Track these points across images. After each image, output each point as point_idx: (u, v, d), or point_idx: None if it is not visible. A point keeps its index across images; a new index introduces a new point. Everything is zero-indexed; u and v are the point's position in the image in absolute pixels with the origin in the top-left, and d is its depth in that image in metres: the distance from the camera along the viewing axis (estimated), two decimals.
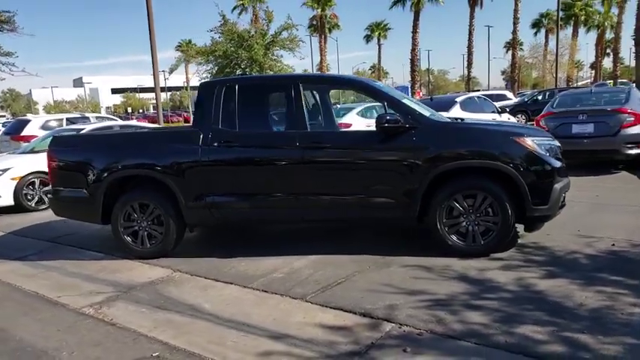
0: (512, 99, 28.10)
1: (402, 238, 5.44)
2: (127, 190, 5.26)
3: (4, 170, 8.35)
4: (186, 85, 69.01)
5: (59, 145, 5.51)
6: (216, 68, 20.17)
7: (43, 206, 8.62)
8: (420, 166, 4.52)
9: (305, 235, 5.83)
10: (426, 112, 4.88)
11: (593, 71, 69.31)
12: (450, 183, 4.55)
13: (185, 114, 58.10)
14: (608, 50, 61.00)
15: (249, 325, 3.54)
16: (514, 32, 42.31)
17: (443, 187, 4.56)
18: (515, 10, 41.18)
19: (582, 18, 51.14)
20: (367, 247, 5.03)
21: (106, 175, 5.15)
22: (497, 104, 18.88)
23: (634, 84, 42.00)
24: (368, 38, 70.06)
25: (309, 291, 4.06)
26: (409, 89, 54.71)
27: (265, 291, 4.16)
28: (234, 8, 43.84)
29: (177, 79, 74.39)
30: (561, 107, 9.12)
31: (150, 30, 15.78)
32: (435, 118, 4.85)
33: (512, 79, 46.32)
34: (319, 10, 46.23)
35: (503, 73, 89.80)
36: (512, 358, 2.87)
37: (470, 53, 46.00)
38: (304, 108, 4.87)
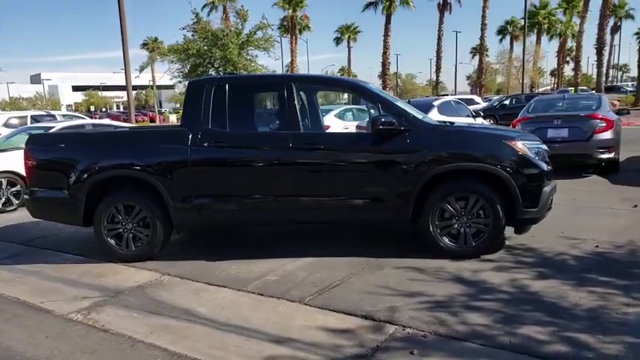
0: (481, 103, 28.75)
1: (392, 240, 5.46)
2: (111, 191, 5.09)
3: None
4: (152, 83, 67.62)
5: (38, 143, 5.29)
6: (188, 67, 19.81)
7: (11, 207, 8.27)
8: (414, 169, 4.55)
9: (295, 237, 5.79)
10: (418, 114, 4.92)
11: (554, 78, 71.82)
12: (443, 185, 4.59)
13: (150, 113, 56.80)
14: (568, 58, 63.23)
15: (250, 329, 3.47)
16: (481, 38, 43.28)
17: (435, 189, 4.60)
18: (483, 17, 42.12)
19: (545, 26, 52.79)
20: (359, 249, 5.03)
21: (88, 175, 4.97)
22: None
23: (593, 90, 43.78)
24: (338, 41, 70.45)
25: (307, 294, 4.02)
26: None
27: (261, 294, 4.10)
28: (205, 6, 43.30)
29: (142, 78, 72.64)
30: (537, 112, 9.37)
31: (122, 27, 15.33)
32: (427, 121, 4.89)
33: (479, 84, 47.36)
34: (290, 10, 46.05)
35: (468, 78, 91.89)
36: (519, 358, 2.91)
37: (439, 58, 46.80)
38: (297, 109, 4.83)
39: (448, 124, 5.38)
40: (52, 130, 8.29)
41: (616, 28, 64.39)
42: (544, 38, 55.81)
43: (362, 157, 4.70)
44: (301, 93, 5.06)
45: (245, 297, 4.08)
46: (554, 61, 58.30)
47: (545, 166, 4.66)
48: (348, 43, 70.77)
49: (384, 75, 43.14)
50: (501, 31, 63.00)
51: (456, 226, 4.64)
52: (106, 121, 12.11)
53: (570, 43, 54.56)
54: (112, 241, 5.08)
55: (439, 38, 46.53)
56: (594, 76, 45.45)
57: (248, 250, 5.30)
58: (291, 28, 47.36)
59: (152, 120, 50.96)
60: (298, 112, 4.83)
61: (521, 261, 4.56)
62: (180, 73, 20.34)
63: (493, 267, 4.43)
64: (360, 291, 4.02)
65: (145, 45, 68.87)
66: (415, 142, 4.58)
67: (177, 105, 63.71)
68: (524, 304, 3.63)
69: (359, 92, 5.05)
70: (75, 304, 4.10)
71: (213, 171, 4.87)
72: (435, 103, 11.25)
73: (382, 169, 4.65)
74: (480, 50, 44.56)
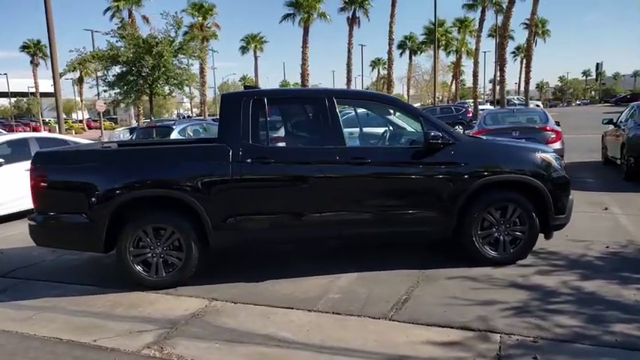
0: None
1: (422, 251, 5.50)
2: (137, 213, 4.66)
3: None
4: (34, 90, 62.07)
5: (49, 161, 4.69)
6: (111, 75, 18.54)
7: None
8: (460, 180, 4.73)
9: (317, 253, 5.69)
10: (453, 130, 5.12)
11: (446, 92, 77.28)
12: (484, 196, 4.81)
13: (33, 123, 51.80)
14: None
15: (357, 350, 3.39)
16: (389, 52, 45.49)
17: (477, 200, 4.81)
18: (390, 32, 44.29)
19: (443, 42, 56.80)
20: (395, 262, 5.06)
21: (113, 196, 4.51)
22: None
23: (487, 103, 47.68)
24: (243, 50, 70.10)
25: (384, 310, 4.00)
26: None
27: (337, 313, 4.00)
28: (107, 10, 40.82)
29: (20, 84, 65.61)
30: (494, 124, 10.11)
31: (48, 28, 13.94)
32: (464, 136, 5.10)
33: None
34: (200, 18, 44.97)
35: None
36: (635, 355, 3.16)
37: (349, 70, 48.33)
38: (340, 123, 4.80)
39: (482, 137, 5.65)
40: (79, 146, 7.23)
41: (500, 47, 71.25)
42: (442, 54, 60.05)
43: (410, 171, 4.78)
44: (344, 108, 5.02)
45: (322, 317, 3.96)
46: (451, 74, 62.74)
47: (567, 176, 5.07)
48: (255, 52, 70.72)
49: (303, 86, 43.64)
50: (401, 46, 66.98)
51: (495, 234, 4.89)
52: (53, 135, 10.91)
53: (466, 59, 59.20)
54: (139, 268, 4.65)
55: (349, 51, 48.16)
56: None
57: (280, 268, 5.11)
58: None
59: (35, 130, 45.46)
60: (342, 126, 4.81)
61: (555, 264, 4.92)
62: (102, 82, 18.96)
63: (535, 271, 4.73)
64: (435, 304, 4.08)
65: (25, 47, 63.34)
66: (460, 156, 4.77)
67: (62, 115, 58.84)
68: (594, 304, 3.93)
69: (399, 107, 5.13)
70: (136, 339, 3.70)
71: (257, 188, 4.67)
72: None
73: (430, 182, 4.77)
74: (388, 64, 46.74)
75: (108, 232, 4.58)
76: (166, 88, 19.00)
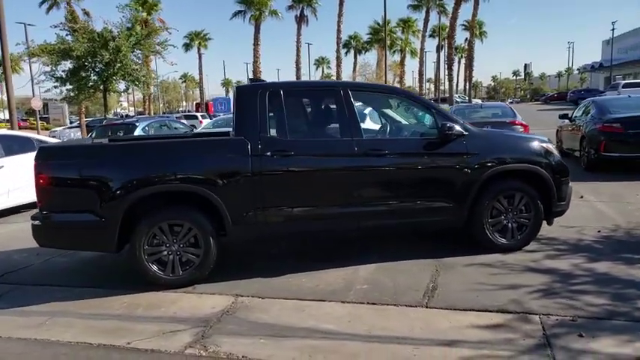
0: None
1: (429, 240, 5.62)
2: (151, 210, 4.46)
3: None
4: None
5: (55, 157, 4.38)
6: (60, 70, 17.47)
7: None
8: (473, 170, 4.87)
9: (327, 245, 5.66)
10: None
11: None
12: (493, 185, 4.98)
13: None
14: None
15: (406, 338, 3.42)
16: (338, 51, 45.99)
17: (487, 189, 4.96)
18: (338, 31, 44.83)
19: (388, 42, 58.05)
20: (407, 252, 5.14)
21: (127, 192, 4.30)
22: None
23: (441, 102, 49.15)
24: (187, 47, 68.61)
25: (417, 298, 4.06)
26: (230, 102, 54.87)
27: (372, 303, 4.02)
28: (43, 2, 38.59)
29: None
30: (464, 119, 10.41)
31: None
32: (473, 127, 5.24)
33: None
34: (145, 13, 43.35)
35: None
36: None
37: (298, 69, 48.38)
38: (357, 115, 4.81)
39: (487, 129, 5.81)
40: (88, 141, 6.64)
41: (440, 47, 73.84)
42: (388, 53, 61.36)
43: (427, 162, 4.86)
44: (358, 100, 5.01)
45: (358, 308, 3.95)
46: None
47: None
48: (199, 49, 69.38)
49: None
50: (346, 45, 67.86)
51: (504, 222, 5.07)
52: (16, 132, 10.15)
53: (410, 58, 60.80)
54: (155, 267, 4.45)
55: (297, 49, 48.25)
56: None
57: (296, 262, 5.04)
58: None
59: None
60: (359, 118, 4.82)
61: (559, 249, 5.16)
62: (50, 77, 17.82)
63: (544, 256, 4.94)
64: (464, 290, 4.18)
65: None
66: (472, 146, 4.90)
67: None
68: (612, 283, 4.16)
69: (413, 100, 5.19)
70: (173, 339, 3.54)
71: (277, 181, 4.59)
72: None
73: (445, 172, 4.88)
74: (337, 62, 47.22)
75: (120, 230, 4.35)
76: (122, 84, 18.21)
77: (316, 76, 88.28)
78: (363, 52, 70.73)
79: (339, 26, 44.90)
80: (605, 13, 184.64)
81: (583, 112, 11.46)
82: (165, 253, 4.47)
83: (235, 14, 42.42)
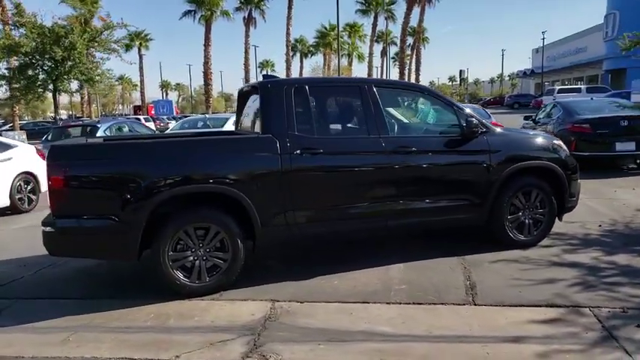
0: None
1: (445, 238, 5.58)
2: (174, 213, 4.16)
3: None
4: None
5: (71, 156, 3.98)
6: (3, 68, 16.20)
7: None
8: (495, 167, 4.91)
9: (344, 246, 5.51)
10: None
11: None
12: (513, 182, 5.04)
13: None
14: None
15: (469, 336, 3.36)
16: (287, 54, 45.79)
17: (507, 186, 5.02)
18: (288, 34, 44.67)
19: (335, 47, 58.58)
20: (430, 250, 5.11)
21: (151, 194, 3.98)
22: None
23: None
24: (127, 47, 66.16)
25: (462, 296, 4.03)
26: (172, 104, 53.38)
27: (418, 303, 3.93)
28: None
29: None
30: None
31: None
32: (492, 126, 5.28)
33: None
34: (84, 10, 41.31)
35: None
36: None
37: (247, 71, 47.75)
38: (384, 112, 4.73)
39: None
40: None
41: (384, 52, 75.54)
42: (334, 57, 61.88)
43: (453, 159, 4.85)
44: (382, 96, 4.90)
45: (407, 309, 3.85)
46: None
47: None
48: (139, 50, 67.14)
49: (206, 85, 42.08)
50: (292, 48, 67.89)
51: (522, 218, 5.15)
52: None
53: (358, 63, 61.60)
54: (180, 274, 4.16)
55: (246, 51, 47.60)
56: None
57: (322, 264, 4.87)
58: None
59: None
60: (385, 115, 4.74)
61: (572, 243, 5.31)
62: None
63: (562, 251, 5.06)
64: (504, 286, 4.18)
65: None
66: (493, 144, 4.95)
67: None
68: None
69: (436, 97, 5.16)
70: (224, 350, 3.30)
71: (307, 180, 4.41)
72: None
73: (470, 169, 4.89)
74: (287, 65, 47.06)
75: (143, 235, 4.03)
76: (75, 84, 17.10)
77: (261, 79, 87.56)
78: (309, 55, 71.02)
79: (288, 29, 44.78)
80: (536, 23, 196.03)
81: (547, 114, 12.00)
82: (191, 258, 4.18)
83: (185, 14, 41.32)
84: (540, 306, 3.77)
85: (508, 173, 4.96)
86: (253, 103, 5.34)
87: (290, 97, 4.46)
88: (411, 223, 4.83)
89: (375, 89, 4.73)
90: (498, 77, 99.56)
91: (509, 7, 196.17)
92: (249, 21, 46.67)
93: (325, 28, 59.78)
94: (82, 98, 56.53)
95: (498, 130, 5.22)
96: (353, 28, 60.50)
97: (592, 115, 10.17)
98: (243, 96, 5.60)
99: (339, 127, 4.87)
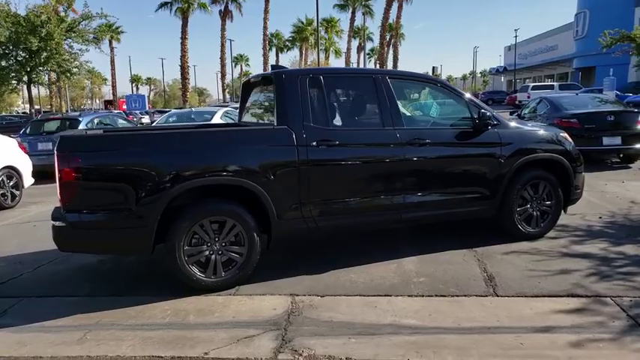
0: None
1: (453, 231, 5.57)
2: (189, 206, 4.03)
3: None
4: None
5: (83, 147, 3.79)
6: None
7: None
8: (506, 159, 4.93)
9: (354, 240, 5.46)
10: None
11: None
12: (522, 175, 5.07)
13: None
14: None
15: (499, 327, 3.36)
16: (264, 47, 45.40)
17: (517, 178, 5.05)
18: (265, 28, 44.31)
19: (312, 42, 58.37)
20: (440, 243, 5.10)
21: (167, 186, 3.85)
22: None
23: None
24: (97, 40, 64.32)
25: (482, 287, 4.03)
26: (145, 99, 52.21)
27: (441, 295, 3.92)
28: None
29: None
30: None
31: None
32: (503, 118, 5.29)
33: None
34: (53, 1, 40.04)
35: (226, 87, 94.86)
36: None
37: (222, 65, 47.14)
38: (398, 103, 4.69)
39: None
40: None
41: (361, 48, 75.76)
42: (312, 52, 61.70)
43: (466, 151, 4.85)
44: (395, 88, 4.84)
45: (431, 301, 3.83)
46: None
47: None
48: (110, 43, 65.61)
49: (184, 79, 41.31)
50: (268, 42, 67.51)
51: (529, 210, 5.19)
52: None
53: (334, 58, 61.62)
54: (195, 269, 4.04)
55: (222, 45, 46.97)
56: None
57: (335, 257, 4.82)
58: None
59: None
60: (399, 107, 4.70)
61: (577, 235, 5.38)
62: None
63: (570, 242, 5.13)
64: (521, 277, 4.20)
65: None
66: (504, 136, 4.97)
67: None
68: None
69: (448, 89, 5.13)
70: (253, 346, 3.21)
71: (323, 173, 4.34)
72: (218, 112, 12.03)
73: (483, 162, 4.89)
74: (264, 60, 46.66)
75: (158, 229, 3.90)
76: (51, 75, 16.45)
77: (234, 73, 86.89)
78: (285, 50, 70.73)
79: (265, 23, 44.45)
80: (508, 21, 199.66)
81: (533, 110, 12.19)
82: (207, 253, 4.06)
83: (162, 6, 40.40)
84: (561, 296, 3.80)
85: (518, 165, 4.99)
86: (261, 94, 5.24)
87: (305, 88, 4.37)
88: (425, 215, 4.81)
89: (388, 80, 4.68)
90: (470, 74, 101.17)
91: (482, 5, 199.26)
92: (225, 14, 46.00)
93: (302, 23, 59.58)
94: (50, 92, 54.85)
95: (509, 122, 5.23)
96: (330, 24, 60.43)
97: (579, 111, 10.37)
98: (249, 87, 5.48)
99: (353, 118, 4.81)
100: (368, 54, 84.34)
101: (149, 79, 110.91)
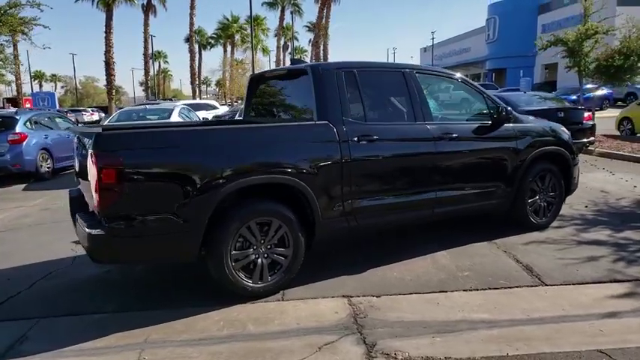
0: (219, 108, 29.50)
1: (468, 224, 5.62)
2: (235, 208, 3.75)
3: None
4: None
5: (124, 145, 3.35)
6: None
7: None
8: (521, 152, 5.10)
9: (373, 237, 5.36)
10: None
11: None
12: (533, 167, 5.26)
13: None
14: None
15: (567, 316, 3.44)
16: (191, 44, 43.87)
17: (528, 171, 5.23)
18: (191, 24, 42.81)
19: (239, 39, 57.35)
20: (461, 236, 5.17)
21: (217, 187, 3.54)
22: (210, 113, 20.31)
23: None
24: None
25: (527, 277, 4.12)
26: (55, 97, 48.60)
27: (494, 288, 3.95)
28: None
29: None
30: None
31: None
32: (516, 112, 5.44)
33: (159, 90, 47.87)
34: None
35: (141, 84, 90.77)
36: None
37: (146, 62, 44.93)
38: (427, 98, 4.67)
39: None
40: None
41: (286, 47, 75.59)
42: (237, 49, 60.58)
43: (491, 145, 4.93)
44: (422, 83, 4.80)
45: (488, 295, 3.84)
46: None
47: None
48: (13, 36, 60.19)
49: (109, 75, 38.67)
50: (188, 40, 65.46)
51: (538, 201, 5.41)
52: None
53: (262, 55, 60.87)
54: (242, 274, 3.77)
55: (145, 40, 44.78)
56: None
57: (362, 256, 4.71)
58: None
59: None
60: (428, 102, 4.69)
61: (577, 223, 5.69)
62: None
63: (575, 230, 5.41)
64: (556, 266, 4.34)
65: None
66: (519, 130, 5.13)
67: None
68: None
69: (468, 85, 5.17)
70: (340, 352, 3.04)
71: (365, 169, 4.22)
72: (176, 108, 11.82)
73: (503, 155, 5.01)
74: (191, 56, 45.11)
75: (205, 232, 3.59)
76: None
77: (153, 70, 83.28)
78: (209, 47, 68.90)
79: (191, 18, 43.01)
80: (424, 23, 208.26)
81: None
82: (253, 257, 3.80)
83: None
84: (604, 282, 3.98)
85: (532, 158, 5.18)
86: (280, 89, 5.01)
87: (342, 82, 4.23)
88: (455, 210, 4.84)
89: (417, 75, 4.66)
90: None
91: (399, 7, 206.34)
92: (148, 9, 43.90)
93: (227, 20, 58.34)
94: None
95: (520, 116, 5.40)
96: (256, 21, 59.59)
97: (532, 107, 10.99)
98: (260, 81, 5.23)
99: (386, 112, 4.72)
100: (290, 53, 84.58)
101: (54, 75, 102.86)
